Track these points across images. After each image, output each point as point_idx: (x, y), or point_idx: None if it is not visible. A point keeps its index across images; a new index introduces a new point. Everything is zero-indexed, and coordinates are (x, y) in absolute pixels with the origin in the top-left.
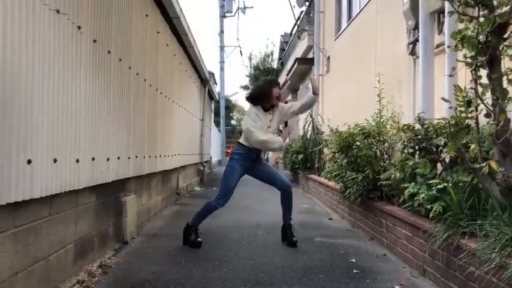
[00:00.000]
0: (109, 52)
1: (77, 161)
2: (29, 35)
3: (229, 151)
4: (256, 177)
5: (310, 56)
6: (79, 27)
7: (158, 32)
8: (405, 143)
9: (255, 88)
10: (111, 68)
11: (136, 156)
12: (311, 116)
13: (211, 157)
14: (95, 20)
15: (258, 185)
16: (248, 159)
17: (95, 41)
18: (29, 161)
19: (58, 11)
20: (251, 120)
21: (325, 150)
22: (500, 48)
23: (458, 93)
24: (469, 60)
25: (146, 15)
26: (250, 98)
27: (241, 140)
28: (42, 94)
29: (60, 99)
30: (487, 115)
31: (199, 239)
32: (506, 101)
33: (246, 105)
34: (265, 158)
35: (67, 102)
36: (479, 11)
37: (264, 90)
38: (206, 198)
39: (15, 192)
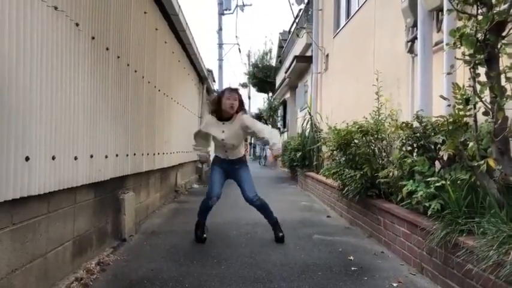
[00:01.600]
0: (107, 49)
1: (75, 158)
2: (27, 32)
3: None
4: (236, 181)
5: (308, 53)
6: (77, 24)
7: (157, 29)
8: (403, 141)
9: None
10: (109, 66)
11: (135, 154)
12: (309, 113)
13: (210, 154)
14: (93, 17)
15: (255, 181)
16: (222, 162)
17: (93, 38)
18: (27, 158)
19: (56, 8)
20: (200, 125)
21: (324, 148)
22: (499, 46)
23: (457, 91)
24: (467, 58)
25: (145, 13)
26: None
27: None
28: (40, 92)
29: (58, 96)
30: (485, 113)
31: (205, 235)
32: (504, 99)
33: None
34: (264, 155)
35: (65, 100)
36: (477, 9)
37: (214, 101)
38: (204, 195)
39: (13, 189)
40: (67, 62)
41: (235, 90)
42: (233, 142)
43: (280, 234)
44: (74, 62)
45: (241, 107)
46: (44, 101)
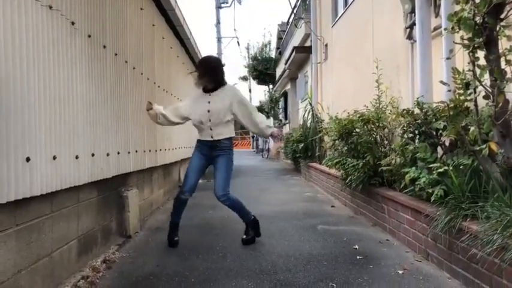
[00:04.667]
0: (104, 47)
1: (77, 157)
2: (22, 32)
3: None
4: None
5: (307, 44)
6: (73, 23)
7: (154, 25)
8: (405, 128)
9: None
10: (107, 63)
11: (137, 151)
12: (310, 104)
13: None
14: (89, 15)
15: (258, 175)
16: (204, 146)
17: (89, 36)
18: (28, 159)
19: (51, 7)
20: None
21: (326, 138)
22: (497, 29)
23: (457, 76)
24: (466, 42)
25: (141, 9)
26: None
27: None
28: (38, 92)
29: (57, 96)
30: (486, 97)
31: (176, 238)
32: (504, 81)
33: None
34: (267, 148)
35: (63, 100)
36: None
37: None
38: (208, 190)
39: (15, 190)
40: (64, 61)
41: (200, 62)
42: (220, 116)
43: (248, 236)
44: (71, 61)
45: (215, 75)
46: (42, 101)
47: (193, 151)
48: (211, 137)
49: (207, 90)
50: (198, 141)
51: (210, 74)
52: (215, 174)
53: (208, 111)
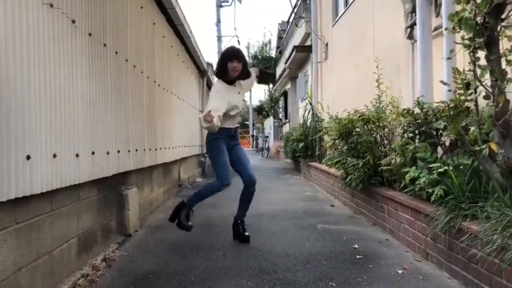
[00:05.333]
0: (105, 45)
1: (77, 155)
2: (23, 30)
3: None
4: (231, 160)
5: (308, 43)
6: (73, 21)
7: (154, 24)
8: (405, 128)
9: (217, 62)
10: (107, 61)
11: (137, 150)
12: (310, 103)
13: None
14: (89, 13)
15: (258, 174)
16: (227, 136)
17: (90, 34)
18: (28, 157)
19: (51, 5)
20: (214, 92)
21: (326, 138)
22: (498, 29)
23: (457, 76)
24: (467, 42)
25: (141, 7)
26: (216, 72)
27: None
28: (39, 91)
29: (57, 95)
30: (486, 97)
31: (190, 223)
32: (505, 82)
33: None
34: (266, 147)
35: (63, 98)
36: None
37: (219, 65)
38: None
39: (15, 188)
40: (64, 60)
41: (238, 52)
42: (241, 105)
43: (246, 233)
44: (71, 60)
45: (244, 69)
46: (43, 100)
47: (215, 144)
48: (238, 123)
49: (230, 82)
50: (224, 129)
51: (246, 64)
52: (240, 162)
53: (244, 100)
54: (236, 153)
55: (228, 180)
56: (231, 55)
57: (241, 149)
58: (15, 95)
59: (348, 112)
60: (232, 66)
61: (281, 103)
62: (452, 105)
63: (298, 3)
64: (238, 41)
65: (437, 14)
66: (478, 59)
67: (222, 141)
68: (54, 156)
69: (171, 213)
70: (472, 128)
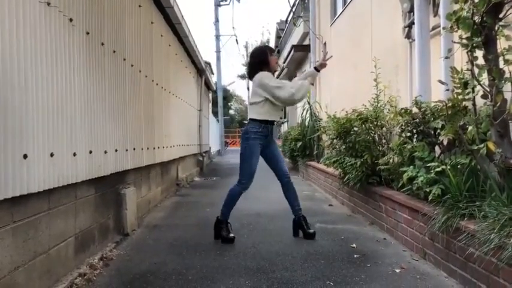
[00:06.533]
0: (102, 44)
1: (74, 154)
2: (19, 29)
3: (228, 141)
4: (266, 158)
5: (306, 42)
6: (71, 20)
7: (152, 23)
8: (403, 127)
9: (255, 56)
10: (105, 60)
11: (134, 149)
12: (308, 103)
13: (210, 147)
14: (87, 12)
15: (256, 172)
16: (264, 136)
17: (87, 33)
18: (25, 156)
19: (48, 4)
20: (270, 77)
21: (324, 137)
22: (496, 28)
23: (455, 75)
24: (464, 41)
25: (139, 6)
26: (254, 67)
27: (254, 116)
28: (35, 89)
29: (54, 93)
30: (484, 96)
31: (232, 235)
32: (502, 81)
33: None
34: None
35: (61, 97)
36: None
37: (263, 59)
38: (207, 188)
39: (13, 187)
40: (62, 59)
41: (271, 48)
42: None
43: (311, 230)
44: (68, 58)
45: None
46: (40, 98)
47: (251, 144)
48: (280, 118)
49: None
50: (267, 125)
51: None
52: (277, 161)
53: None
54: (271, 152)
55: (248, 186)
56: (271, 50)
57: (276, 148)
58: (12, 94)
59: (346, 111)
60: (275, 59)
61: None
62: (450, 104)
63: (297, 2)
64: (236, 40)
65: (435, 14)
66: (476, 58)
67: (258, 142)
68: (52, 155)
69: (213, 233)
70: (470, 127)
